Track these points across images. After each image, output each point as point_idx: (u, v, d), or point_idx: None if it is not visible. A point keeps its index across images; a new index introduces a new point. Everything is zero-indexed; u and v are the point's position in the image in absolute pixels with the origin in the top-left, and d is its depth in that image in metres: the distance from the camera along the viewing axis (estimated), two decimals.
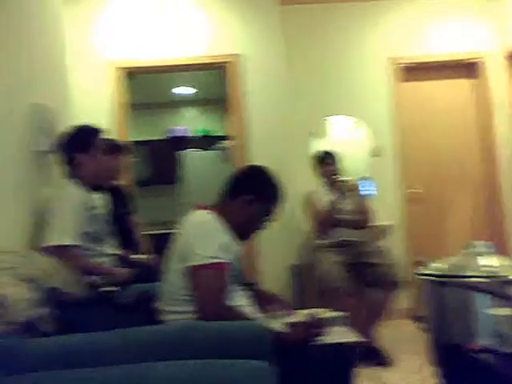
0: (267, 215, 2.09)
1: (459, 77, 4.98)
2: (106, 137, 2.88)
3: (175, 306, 1.90)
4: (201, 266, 1.82)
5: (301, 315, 2.00)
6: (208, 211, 2.02)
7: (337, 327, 1.89)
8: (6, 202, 2.31)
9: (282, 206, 2.12)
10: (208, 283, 1.82)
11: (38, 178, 2.81)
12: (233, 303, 1.89)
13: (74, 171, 2.66)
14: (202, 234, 1.90)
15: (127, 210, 3.43)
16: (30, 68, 2.84)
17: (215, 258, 1.83)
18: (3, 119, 2.38)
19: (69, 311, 1.79)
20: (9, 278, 1.70)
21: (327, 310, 2.10)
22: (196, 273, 1.83)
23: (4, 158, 2.35)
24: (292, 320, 1.90)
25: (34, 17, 3.08)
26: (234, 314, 1.82)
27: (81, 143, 2.67)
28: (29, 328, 1.62)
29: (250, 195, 2.03)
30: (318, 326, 1.81)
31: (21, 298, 1.65)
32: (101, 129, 2.78)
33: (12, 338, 1.54)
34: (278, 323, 1.88)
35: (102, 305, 1.88)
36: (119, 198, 3.24)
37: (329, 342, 1.78)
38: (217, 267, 1.83)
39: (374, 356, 3.43)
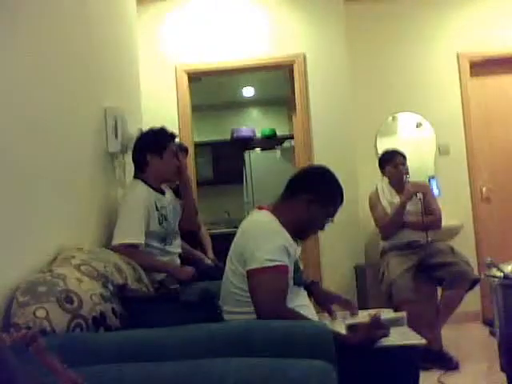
0: (326, 216, 2.06)
1: None
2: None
3: (236, 306, 1.92)
4: (260, 269, 1.82)
5: (362, 316, 1.97)
6: (267, 212, 2.02)
7: (399, 328, 1.86)
8: (81, 201, 2.42)
9: (341, 208, 2.09)
10: (267, 286, 1.82)
11: (111, 178, 2.93)
12: (293, 304, 1.89)
13: (145, 172, 2.74)
14: (261, 237, 1.90)
15: None
16: (104, 72, 2.96)
17: (274, 260, 1.82)
18: (79, 121, 2.50)
19: (135, 307, 1.85)
20: (80, 274, 1.79)
21: (389, 310, 2.07)
22: (255, 276, 1.83)
23: (80, 160, 2.47)
24: (353, 322, 1.87)
25: (110, 22, 3.21)
26: (293, 317, 1.81)
27: (156, 146, 2.74)
28: (98, 322, 1.69)
29: (310, 195, 2.01)
30: (380, 327, 1.77)
31: (92, 294, 1.73)
32: (175, 133, 2.85)
33: (82, 331, 1.61)
34: (339, 325, 1.86)
35: (166, 301, 1.93)
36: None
37: (392, 344, 1.75)
38: (276, 270, 1.83)
39: (440, 359, 3.34)
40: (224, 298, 2.00)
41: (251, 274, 1.84)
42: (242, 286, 1.89)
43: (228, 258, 2.02)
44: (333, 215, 2.07)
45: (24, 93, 1.89)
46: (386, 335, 1.74)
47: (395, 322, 1.83)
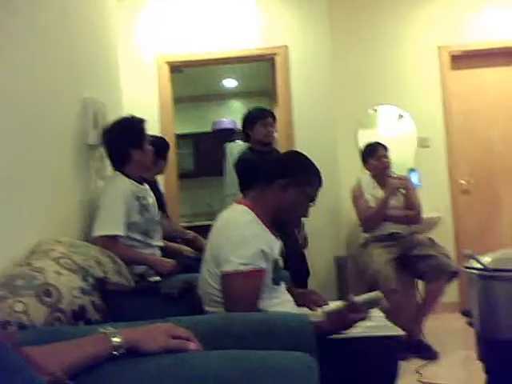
0: (307, 200, 1.98)
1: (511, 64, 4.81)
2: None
3: (212, 306, 1.89)
4: (233, 273, 1.78)
5: (337, 304, 1.95)
6: (245, 207, 1.95)
7: (377, 318, 1.85)
8: (59, 193, 2.39)
9: (322, 195, 2.02)
10: (239, 290, 1.79)
11: (90, 170, 2.90)
12: (272, 302, 1.87)
13: (127, 166, 2.72)
14: (237, 240, 1.82)
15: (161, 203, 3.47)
16: (83, 63, 2.92)
17: (248, 265, 1.78)
18: (58, 112, 2.46)
19: (115, 300, 1.84)
20: (59, 268, 1.77)
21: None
22: (228, 279, 1.80)
23: (59, 151, 2.44)
24: (331, 309, 1.83)
25: (88, 10, 3.17)
26: None
27: (137, 140, 2.71)
28: (78, 316, 1.67)
29: (285, 179, 1.93)
30: (355, 311, 1.70)
31: (71, 287, 1.71)
32: (142, 118, 2.78)
33: (62, 325, 1.60)
34: (316, 314, 1.84)
35: (148, 294, 1.92)
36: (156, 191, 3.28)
37: (370, 335, 1.76)
38: (249, 275, 1.79)
39: (420, 350, 3.38)
40: (203, 298, 1.95)
41: (224, 277, 1.81)
42: (218, 287, 1.85)
43: (205, 254, 1.97)
44: (313, 198, 2.00)
45: (1, 83, 1.86)
46: (363, 319, 1.70)
47: (374, 303, 1.76)
